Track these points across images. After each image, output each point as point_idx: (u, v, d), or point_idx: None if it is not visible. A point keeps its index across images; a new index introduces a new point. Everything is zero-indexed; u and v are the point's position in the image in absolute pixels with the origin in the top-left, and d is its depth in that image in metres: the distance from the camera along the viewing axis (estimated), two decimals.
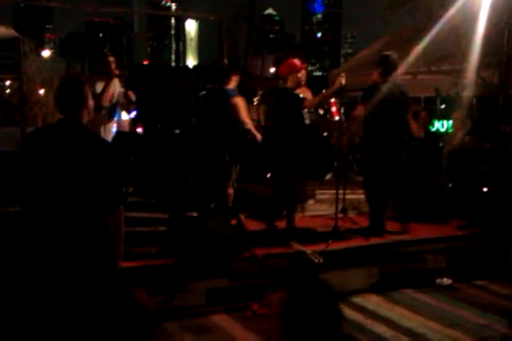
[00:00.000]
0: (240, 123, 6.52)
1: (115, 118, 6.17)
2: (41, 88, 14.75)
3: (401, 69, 7.20)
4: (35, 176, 3.21)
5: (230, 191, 6.51)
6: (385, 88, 6.27)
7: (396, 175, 6.36)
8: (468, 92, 7.65)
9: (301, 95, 6.54)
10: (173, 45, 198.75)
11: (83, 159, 3.18)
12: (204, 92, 7.30)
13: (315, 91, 7.20)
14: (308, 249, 5.69)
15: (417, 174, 7.13)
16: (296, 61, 6.35)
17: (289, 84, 6.37)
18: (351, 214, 7.19)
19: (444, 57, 7.55)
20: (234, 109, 6.47)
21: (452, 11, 7.33)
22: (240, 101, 6.54)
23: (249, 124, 6.60)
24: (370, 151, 6.48)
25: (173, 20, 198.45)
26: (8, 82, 13.39)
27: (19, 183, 3.34)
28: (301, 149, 6.26)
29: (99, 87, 5.82)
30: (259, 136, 6.65)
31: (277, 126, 6.39)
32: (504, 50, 7.17)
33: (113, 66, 5.95)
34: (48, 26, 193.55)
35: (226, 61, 10.94)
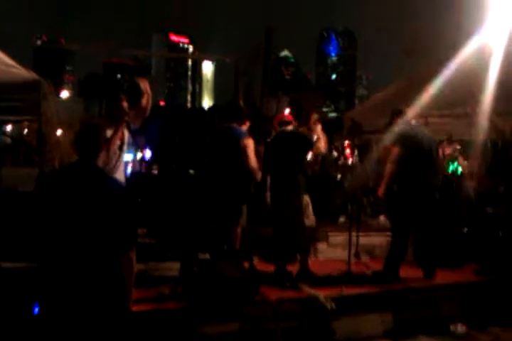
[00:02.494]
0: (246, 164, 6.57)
1: (130, 159, 6.25)
2: (59, 129, 14.99)
3: (414, 112, 7.30)
4: (50, 217, 3.28)
5: (239, 231, 6.50)
6: (414, 131, 6.41)
7: (428, 219, 6.38)
8: (481, 136, 7.67)
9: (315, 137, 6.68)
10: (190, 86, 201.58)
11: (97, 201, 3.26)
12: (218, 131, 7.38)
13: (330, 133, 7.30)
14: (320, 294, 5.64)
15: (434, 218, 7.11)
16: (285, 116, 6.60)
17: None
18: (364, 258, 7.14)
19: (456, 101, 7.59)
20: (243, 150, 6.54)
21: (464, 57, 7.43)
22: (250, 143, 6.62)
23: (254, 166, 6.64)
24: (403, 194, 6.51)
25: (190, 62, 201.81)
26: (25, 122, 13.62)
27: (34, 223, 3.40)
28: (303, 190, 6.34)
29: (110, 131, 5.90)
30: (259, 176, 6.69)
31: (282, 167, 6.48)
32: None
33: (125, 111, 6.04)
34: (67, 67, 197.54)
35: (242, 102, 11.10)
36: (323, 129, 8.01)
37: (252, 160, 6.56)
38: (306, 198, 6.49)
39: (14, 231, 6.27)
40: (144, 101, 5.61)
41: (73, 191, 3.27)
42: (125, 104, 6.13)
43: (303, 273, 6.28)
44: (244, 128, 6.83)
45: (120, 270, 3.32)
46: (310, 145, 6.51)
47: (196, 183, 7.51)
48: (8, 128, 13.14)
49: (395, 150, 6.48)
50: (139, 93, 5.81)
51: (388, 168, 6.50)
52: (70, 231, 3.22)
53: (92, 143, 3.45)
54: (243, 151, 6.50)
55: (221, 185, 6.53)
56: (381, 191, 6.51)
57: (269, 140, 9.77)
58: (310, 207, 6.47)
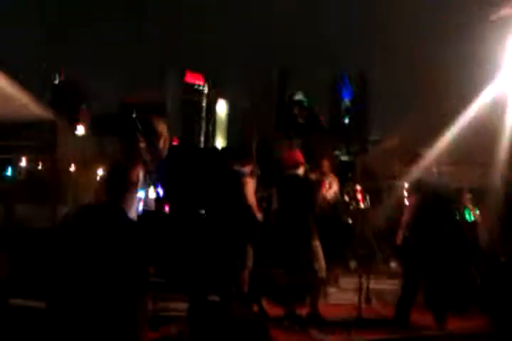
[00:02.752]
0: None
1: (142, 197, 6.30)
2: (73, 166, 15.08)
3: (427, 161, 7.35)
4: (70, 254, 3.30)
5: (246, 273, 6.48)
6: (433, 179, 6.51)
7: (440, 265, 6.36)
8: (493, 186, 7.70)
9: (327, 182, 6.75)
10: (203, 126, 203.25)
11: (118, 243, 3.27)
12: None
13: (342, 176, 7.33)
14: (330, 339, 5.57)
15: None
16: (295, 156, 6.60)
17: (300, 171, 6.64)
18: (375, 303, 7.06)
19: (469, 149, 7.66)
20: (242, 188, 6.59)
21: (479, 106, 7.54)
22: (249, 182, 6.66)
23: (252, 203, 6.67)
24: (416, 239, 6.49)
25: (204, 102, 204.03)
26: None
27: (53, 259, 3.42)
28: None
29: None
30: (259, 216, 6.71)
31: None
32: None
33: (141, 152, 6.11)
34: (83, 105, 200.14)
35: (255, 145, 11.21)
36: (336, 173, 8.07)
37: (250, 198, 6.59)
38: (317, 243, 6.49)
39: (25, 268, 6.30)
40: (161, 143, 5.70)
41: (96, 231, 3.31)
42: (142, 145, 6.21)
43: (313, 316, 6.23)
44: (247, 169, 6.90)
45: (134, 313, 3.31)
46: (313, 189, 6.57)
47: (206, 223, 7.51)
48: (23, 164, 13.27)
49: (413, 198, 6.53)
50: (155, 134, 5.89)
51: (406, 214, 6.53)
52: (87, 270, 3.24)
53: (120, 183, 3.50)
54: (241, 189, 6.54)
55: (224, 226, 6.56)
56: (399, 238, 6.52)
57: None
58: (321, 252, 6.45)
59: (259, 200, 7.11)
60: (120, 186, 3.51)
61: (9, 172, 11.77)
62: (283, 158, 6.96)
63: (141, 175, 6.29)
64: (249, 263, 6.56)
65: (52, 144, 7.42)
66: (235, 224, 6.51)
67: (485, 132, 7.42)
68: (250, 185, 6.71)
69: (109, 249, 3.27)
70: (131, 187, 3.59)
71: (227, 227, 6.51)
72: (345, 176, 11.11)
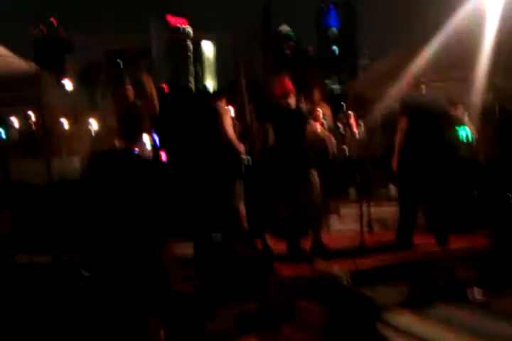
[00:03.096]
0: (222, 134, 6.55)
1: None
2: (64, 119, 14.91)
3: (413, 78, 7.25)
4: (98, 200, 3.35)
5: (241, 208, 6.49)
6: (419, 97, 6.44)
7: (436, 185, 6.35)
8: (485, 99, 7.59)
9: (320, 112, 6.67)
10: (191, 68, 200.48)
11: (137, 184, 3.42)
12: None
13: (335, 105, 7.24)
14: (335, 268, 5.64)
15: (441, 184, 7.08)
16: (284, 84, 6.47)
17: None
18: (377, 228, 7.13)
19: (455, 64, 7.49)
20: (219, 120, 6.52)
21: (460, 19, 7.33)
22: (224, 115, 6.60)
23: (231, 135, 6.61)
24: (409, 161, 6.48)
25: (191, 44, 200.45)
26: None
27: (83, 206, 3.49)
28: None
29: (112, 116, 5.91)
30: (241, 147, 6.68)
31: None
32: None
33: (129, 97, 6.02)
34: (67, 56, 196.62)
35: (244, 82, 11.02)
36: (328, 102, 7.94)
37: (228, 130, 6.54)
38: (314, 173, 6.48)
39: (26, 225, 6.31)
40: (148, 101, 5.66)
41: (116, 176, 3.36)
42: (130, 91, 6.10)
43: (316, 247, 6.30)
44: (220, 104, 6.78)
45: (160, 257, 3.41)
46: (305, 121, 6.50)
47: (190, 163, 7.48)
48: (15, 121, 13.13)
49: (403, 120, 6.45)
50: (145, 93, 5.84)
51: (398, 138, 6.46)
52: (113, 214, 3.31)
53: (135, 126, 3.55)
54: (218, 123, 6.48)
55: (209, 163, 6.51)
56: (394, 163, 6.48)
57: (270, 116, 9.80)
58: (318, 182, 6.45)
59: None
60: (135, 128, 3.56)
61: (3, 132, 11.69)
62: (273, 88, 6.81)
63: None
64: (240, 198, 6.54)
65: (39, 97, 7.29)
66: (217, 160, 6.45)
67: (469, 44, 7.24)
68: (226, 118, 6.61)
69: (126, 189, 3.39)
70: (144, 129, 3.67)
71: (210, 164, 6.45)
72: (338, 105, 10.98)
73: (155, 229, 3.46)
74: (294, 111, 6.52)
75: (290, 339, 4.92)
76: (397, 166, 6.50)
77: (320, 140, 6.94)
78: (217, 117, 6.52)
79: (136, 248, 3.40)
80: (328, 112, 7.90)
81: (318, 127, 6.95)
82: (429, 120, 6.43)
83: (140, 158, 3.60)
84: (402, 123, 6.47)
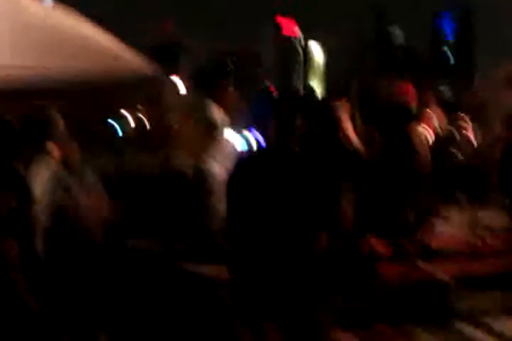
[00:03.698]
0: None
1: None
2: (179, 121, 15.47)
3: None
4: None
5: (347, 208, 6.53)
6: None
7: None
8: None
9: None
10: (300, 72, 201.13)
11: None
12: None
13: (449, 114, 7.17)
14: (439, 271, 5.60)
15: None
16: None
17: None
18: (484, 234, 6.96)
19: None
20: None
21: None
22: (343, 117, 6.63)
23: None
24: None
25: (299, 49, 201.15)
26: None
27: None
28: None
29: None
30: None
31: None
32: None
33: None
34: (180, 63, 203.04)
35: (355, 86, 11.03)
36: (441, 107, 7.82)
37: (347, 134, 6.53)
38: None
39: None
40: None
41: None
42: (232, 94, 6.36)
43: (421, 249, 6.26)
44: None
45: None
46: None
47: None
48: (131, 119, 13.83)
49: None
50: None
51: None
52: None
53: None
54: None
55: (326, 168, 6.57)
56: None
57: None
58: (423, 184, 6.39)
59: None
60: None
61: (120, 128, 12.33)
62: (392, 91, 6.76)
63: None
64: (349, 200, 6.59)
65: (159, 99, 7.67)
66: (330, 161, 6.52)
67: None
68: (345, 121, 6.62)
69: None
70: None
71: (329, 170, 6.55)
72: (452, 112, 10.79)
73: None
74: (401, 110, 6.47)
75: (382, 335, 4.97)
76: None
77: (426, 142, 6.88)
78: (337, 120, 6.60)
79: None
80: (441, 116, 7.80)
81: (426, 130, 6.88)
82: None
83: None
84: None
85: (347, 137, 6.54)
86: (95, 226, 5.10)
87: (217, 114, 6.35)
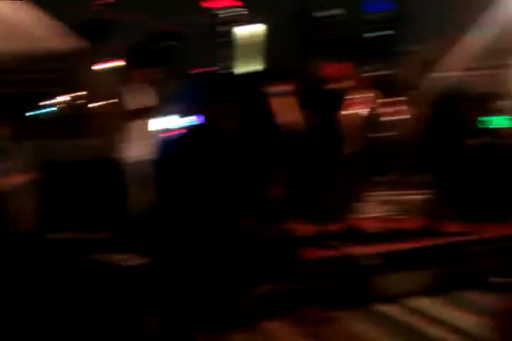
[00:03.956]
0: None
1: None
2: (105, 100, 15.06)
3: (459, 64, 7.12)
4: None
5: (275, 193, 6.52)
6: (449, 85, 6.35)
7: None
8: None
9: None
10: (234, 51, 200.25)
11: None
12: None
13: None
14: (360, 251, 5.67)
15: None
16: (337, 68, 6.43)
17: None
18: (403, 215, 7.10)
19: (497, 52, 7.36)
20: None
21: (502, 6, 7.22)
22: (281, 100, 6.58)
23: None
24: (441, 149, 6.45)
25: (231, 27, 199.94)
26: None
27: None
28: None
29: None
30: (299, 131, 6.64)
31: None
32: None
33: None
34: (113, 38, 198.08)
35: (282, 66, 10.98)
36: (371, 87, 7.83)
37: (285, 116, 6.46)
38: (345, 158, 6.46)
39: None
40: None
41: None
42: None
43: (343, 231, 6.32)
44: (280, 89, 6.74)
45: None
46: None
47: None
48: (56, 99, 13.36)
49: (429, 109, 6.41)
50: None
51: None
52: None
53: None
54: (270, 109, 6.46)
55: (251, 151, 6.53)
56: None
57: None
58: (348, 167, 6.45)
59: None
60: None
61: (42, 109, 11.86)
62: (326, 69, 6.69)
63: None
64: (274, 184, 6.57)
65: (80, 76, 7.37)
66: (261, 148, 6.46)
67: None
68: (282, 103, 6.56)
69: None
70: None
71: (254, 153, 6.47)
72: (380, 91, 10.89)
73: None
74: (330, 94, 6.46)
75: (309, 319, 5.01)
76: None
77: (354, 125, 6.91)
78: (267, 101, 6.50)
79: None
80: (373, 97, 7.82)
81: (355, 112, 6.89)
82: (456, 109, 6.30)
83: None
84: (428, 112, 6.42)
85: (281, 121, 6.48)
86: (15, 215, 4.89)
87: (134, 95, 6.12)
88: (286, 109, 6.50)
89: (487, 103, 7.30)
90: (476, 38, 7.41)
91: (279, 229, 5.74)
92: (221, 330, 4.59)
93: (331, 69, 6.61)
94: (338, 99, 6.51)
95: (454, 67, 6.85)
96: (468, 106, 6.42)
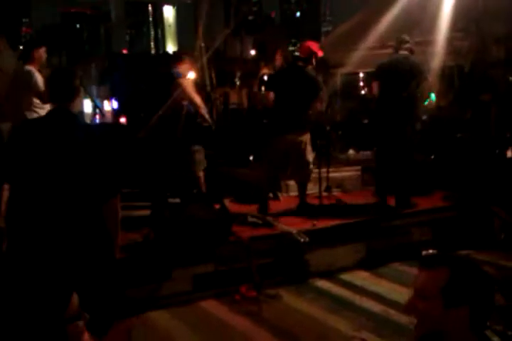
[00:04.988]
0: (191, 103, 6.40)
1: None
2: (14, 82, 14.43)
3: (375, 42, 7.14)
4: (23, 168, 3.12)
5: (200, 174, 6.43)
6: (388, 62, 6.34)
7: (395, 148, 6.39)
8: (445, 62, 7.60)
9: None
10: (152, 32, 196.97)
11: (75, 149, 3.11)
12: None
13: None
14: (293, 229, 5.67)
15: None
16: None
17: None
18: (335, 192, 7.18)
19: (414, 26, 7.46)
20: (180, 90, 6.36)
21: None
22: (186, 82, 6.43)
23: (199, 104, 6.47)
24: (382, 125, 6.49)
25: (150, 7, 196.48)
26: None
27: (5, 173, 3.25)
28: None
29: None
30: (207, 117, 6.59)
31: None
32: (474, 14, 7.15)
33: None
34: (24, 20, 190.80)
35: (203, 44, 10.79)
36: None
37: (189, 96, 6.35)
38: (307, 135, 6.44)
39: None
40: None
41: (47, 140, 3.12)
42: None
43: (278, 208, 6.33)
44: (181, 70, 6.52)
45: (102, 219, 3.20)
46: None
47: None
48: None
49: (374, 84, 6.43)
50: None
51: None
52: (45, 181, 3.08)
53: (66, 87, 3.27)
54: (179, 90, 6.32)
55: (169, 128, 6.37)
56: None
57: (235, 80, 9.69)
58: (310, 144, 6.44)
59: None
60: (67, 90, 3.27)
61: None
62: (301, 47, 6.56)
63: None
64: (200, 164, 6.47)
65: None
66: (176, 125, 6.31)
67: (430, 6, 7.21)
68: (186, 85, 6.44)
69: (61, 154, 3.10)
70: (78, 92, 3.35)
71: (169, 129, 6.31)
72: None
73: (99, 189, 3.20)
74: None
75: (245, 297, 4.98)
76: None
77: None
78: (175, 84, 6.34)
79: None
80: None
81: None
82: (398, 81, 6.31)
83: (74, 119, 3.31)
84: (374, 87, 6.46)
85: (195, 103, 6.34)
86: None
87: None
88: (189, 90, 6.38)
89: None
90: (397, 14, 7.49)
91: (207, 208, 5.66)
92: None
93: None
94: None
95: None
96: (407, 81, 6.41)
